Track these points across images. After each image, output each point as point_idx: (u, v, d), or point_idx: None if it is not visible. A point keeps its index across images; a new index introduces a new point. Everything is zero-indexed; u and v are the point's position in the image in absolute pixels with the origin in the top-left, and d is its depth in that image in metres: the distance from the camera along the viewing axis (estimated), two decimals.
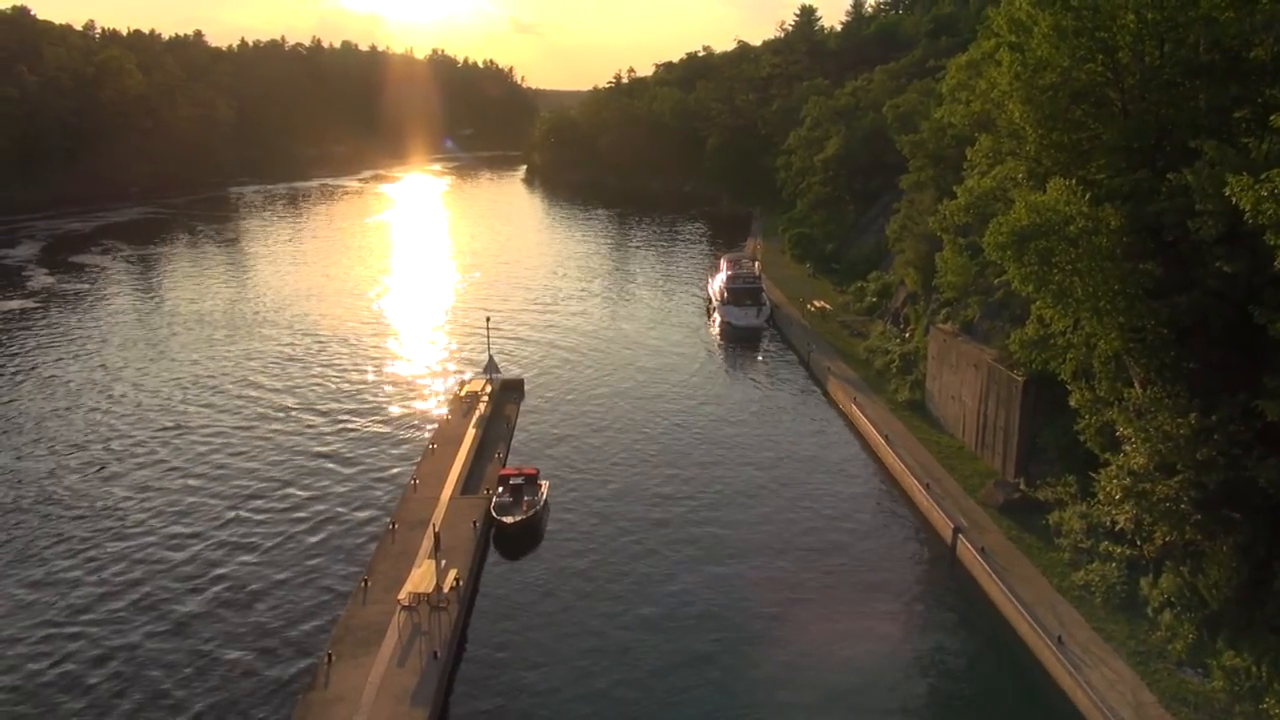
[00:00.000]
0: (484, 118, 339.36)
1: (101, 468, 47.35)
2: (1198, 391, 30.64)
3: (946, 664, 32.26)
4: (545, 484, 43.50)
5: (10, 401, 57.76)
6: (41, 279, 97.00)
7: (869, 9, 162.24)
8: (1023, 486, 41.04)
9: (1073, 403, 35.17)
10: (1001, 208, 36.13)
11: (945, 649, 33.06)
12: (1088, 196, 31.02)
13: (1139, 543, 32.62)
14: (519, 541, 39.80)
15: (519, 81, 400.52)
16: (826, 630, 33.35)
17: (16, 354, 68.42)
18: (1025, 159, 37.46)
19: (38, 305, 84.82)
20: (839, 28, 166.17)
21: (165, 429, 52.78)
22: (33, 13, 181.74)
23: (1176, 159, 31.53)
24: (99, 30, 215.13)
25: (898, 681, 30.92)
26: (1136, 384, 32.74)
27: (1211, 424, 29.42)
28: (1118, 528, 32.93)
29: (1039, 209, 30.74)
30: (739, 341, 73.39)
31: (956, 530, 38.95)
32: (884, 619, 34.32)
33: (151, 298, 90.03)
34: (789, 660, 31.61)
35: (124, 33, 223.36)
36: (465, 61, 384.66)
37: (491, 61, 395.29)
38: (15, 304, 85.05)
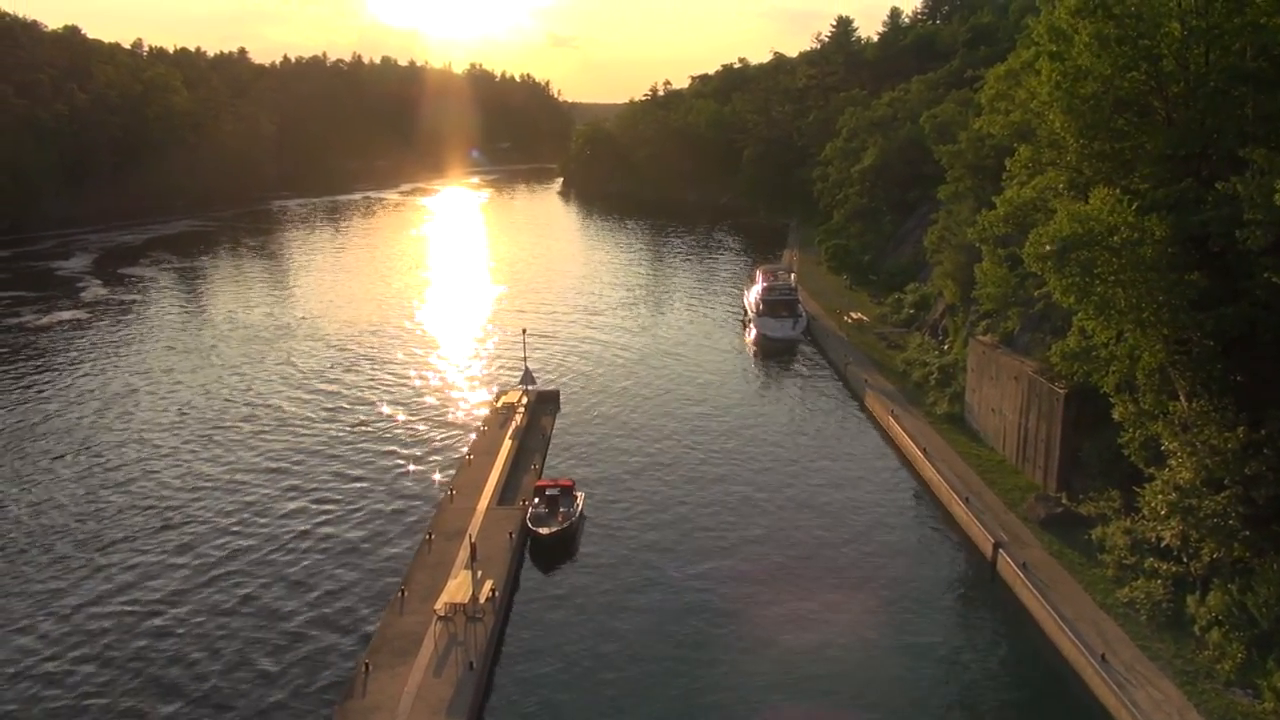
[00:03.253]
0: (521, 131, 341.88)
1: (143, 475, 48.14)
2: (1245, 405, 30.02)
3: (987, 681, 31.77)
4: (581, 495, 43.55)
5: (64, 407, 58.99)
6: (94, 290, 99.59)
7: (906, 19, 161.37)
8: (1065, 501, 40.39)
9: (1116, 416, 34.56)
10: (1042, 218, 35.72)
11: (985, 666, 32.59)
12: (1133, 207, 30.56)
13: (1185, 559, 31.93)
14: (554, 553, 39.86)
15: (555, 95, 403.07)
16: (866, 646, 33.03)
17: (70, 362, 69.96)
18: (1066, 169, 37.03)
19: (90, 315, 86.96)
20: (876, 38, 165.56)
21: (204, 438, 53.60)
22: (83, 32, 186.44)
23: (1223, 168, 31.02)
24: (147, 49, 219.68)
25: (937, 698, 30.49)
26: (1182, 397, 32.12)
27: (1260, 438, 28.77)
28: (1163, 544, 32.29)
29: (1081, 219, 30.35)
30: (775, 353, 73.06)
31: (997, 545, 38.38)
32: (923, 634, 33.88)
33: (196, 309, 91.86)
34: (826, 675, 31.29)
35: (171, 51, 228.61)
36: (503, 75, 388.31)
37: (528, 75, 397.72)
38: (68, 314, 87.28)
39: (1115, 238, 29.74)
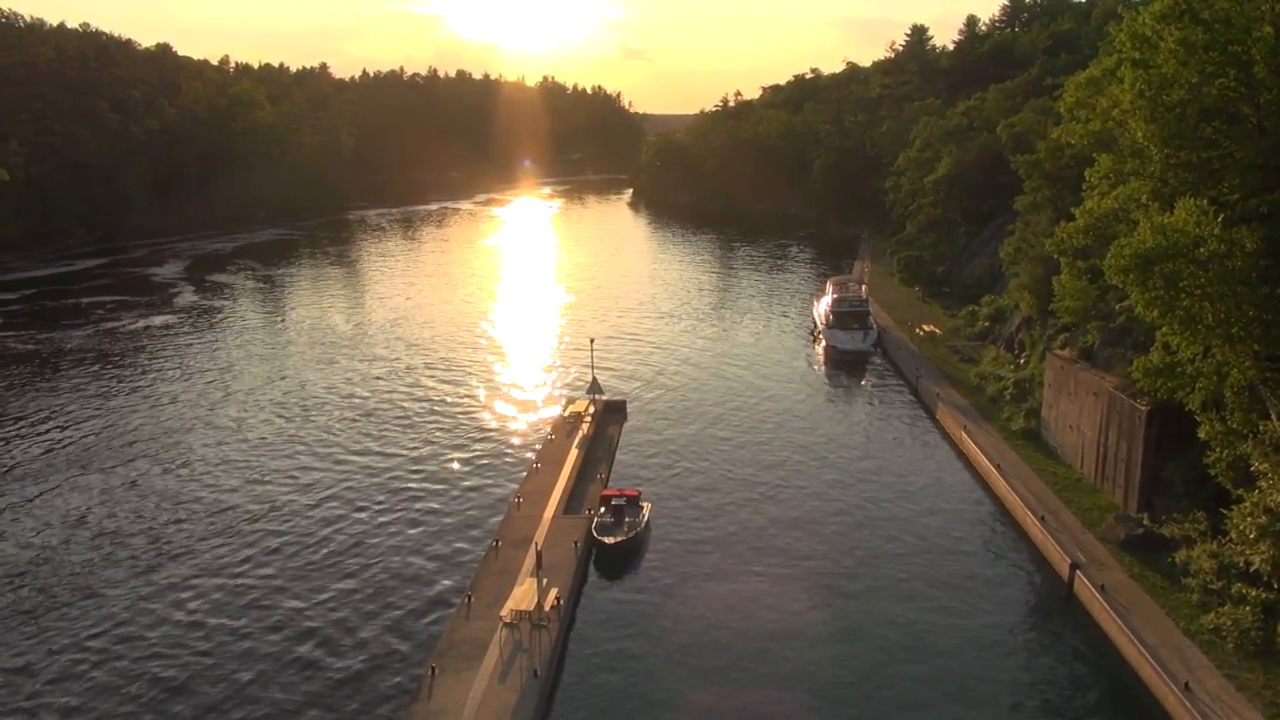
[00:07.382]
0: (592, 142, 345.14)
1: (221, 473, 49.68)
2: None
3: (1063, 708, 30.77)
4: (647, 505, 43.56)
5: (158, 405, 61.28)
6: (186, 295, 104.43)
7: (983, 27, 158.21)
8: (1146, 522, 39.04)
9: (1202, 435, 33.28)
10: (1124, 229, 34.76)
11: (1062, 692, 31.58)
12: (1221, 218, 29.51)
13: (1276, 585, 30.58)
14: (620, 562, 39.94)
15: (627, 106, 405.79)
16: (937, 668, 32.31)
17: (165, 363, 72.78)
18: (1149, 179, 35.97)
19: (182, 319, 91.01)
20: (951, 46, 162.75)
21: (279, 441, 55.07)
22: (174, 49, 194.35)
23: None
24: (233, 65, 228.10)
25: None
26: (1273, 416, 30.83)
27: None
28: (1253, 569, 30.98)
29: (1166, 231, 29.45)
30: (845, 366, 72.20)
31: (1074, 566, 37.25)
32: (997, 658, 33.04)
33: (281, 315, 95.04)
34: (897, 697, 30.72)
35: (255, 66, 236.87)
36: (574, 88, 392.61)
37: (600, 87, 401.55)
38: (161, 319, 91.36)
39: (1202, 250, 28.76)
